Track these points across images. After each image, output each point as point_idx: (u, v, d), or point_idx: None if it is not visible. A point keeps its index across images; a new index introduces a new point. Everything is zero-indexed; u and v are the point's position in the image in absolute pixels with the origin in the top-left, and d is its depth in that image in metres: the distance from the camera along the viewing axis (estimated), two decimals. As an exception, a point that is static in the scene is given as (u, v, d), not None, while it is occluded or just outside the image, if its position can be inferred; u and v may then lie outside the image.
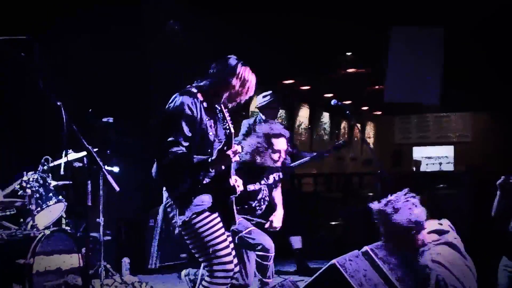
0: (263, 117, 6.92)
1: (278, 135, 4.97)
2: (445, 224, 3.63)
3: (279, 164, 5.05)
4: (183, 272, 5.03)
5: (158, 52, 8.00)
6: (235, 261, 3.79)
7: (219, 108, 3.84)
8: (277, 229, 5.12)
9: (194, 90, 3.80)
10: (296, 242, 6.96)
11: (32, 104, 6.01)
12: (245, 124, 6.94)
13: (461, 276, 3.26)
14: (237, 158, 3.66)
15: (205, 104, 3.79)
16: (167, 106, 3.78)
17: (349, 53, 11.75)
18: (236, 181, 3.88)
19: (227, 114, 3.72)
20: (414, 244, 3.53)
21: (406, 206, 3.49)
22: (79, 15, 6.78)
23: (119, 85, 7.34)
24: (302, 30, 9.28)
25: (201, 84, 3.84)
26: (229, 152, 3.54)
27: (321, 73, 13.07)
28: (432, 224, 3.60)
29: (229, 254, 3.73)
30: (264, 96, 6.84)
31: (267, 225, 5.08)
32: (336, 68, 12.73)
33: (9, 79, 6.18)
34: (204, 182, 3.74)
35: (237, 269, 3.78)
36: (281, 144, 4.96)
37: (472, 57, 10.47)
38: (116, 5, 7.06)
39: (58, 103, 3.44)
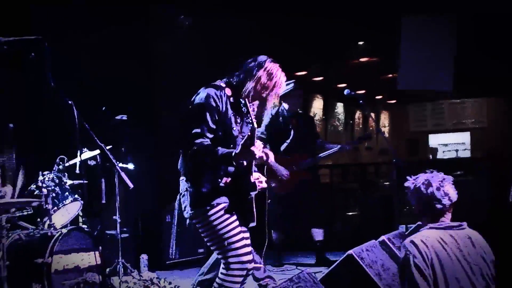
0: (286, 107, 6.81)
1: None
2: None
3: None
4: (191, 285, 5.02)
5: (167, 48, 7.99)
6: (251, 257, 3.78)
7: (243, 102, 3.83)
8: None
9: (223, 84, 3.84)
10: (318, 234, 6.89)
11: (44, 103, 6.04)
12: (267, 114, 6.84)
13: (445, 264, 3.22)
14: (261, 154, 3.64)
15: (232, 100, 3.80)
16: (192, 98, 3.80)
17: (361, 42, 11.67)
18: (259, 178, 3.87)
19: (251, 109, 3.71)
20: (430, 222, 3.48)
21: (434, 183, 3.44)
22: (86, 12, 6.78)
23: (130, 82, 7.35)
24: (313, 20, 9.23)
25: (231, 79, 3.86)
26: (253, 148, 3.53)
27: (334, 63, 13.00)
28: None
29: (245, 246, 3.73)
30: (287, 84, 6.73)
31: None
32: (349, 57, 12.65)
33: (21, 79, 6.20)
34: (224, 180, 3.75)
35: (250, 266, 3.77)
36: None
37: (485, 42, 10.36)
38: (125, 2, 7.06)
39: (70, 102, 3.45)
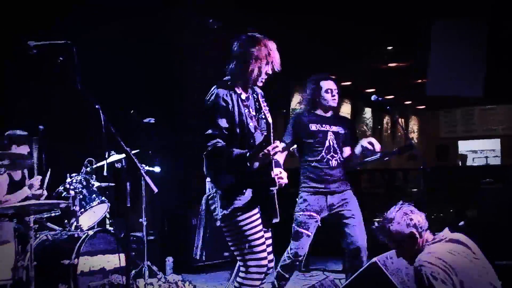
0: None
1: None
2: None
3: None
4: None
5: (195, 50, 8.02)
6: (270, 257, 3.78)
7: (256, 97, 3.82)
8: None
9: (231, 83, 3.81)
10: None
11: (73, 107, 6.09)
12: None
13: (461, 269, 3.22)
14: (276, 155, 3.62)
15: (243, 96, 3.78)
16: (205, 99, 3.80)
17: (390, 47, 11.60)
18: (280, 173, 3.84)
19: (263, 104, 3.69)
20: (416, 249, 3.51)
21: (400, 214, 3.49)
22: (115, 17, 6.82)
23: (157, 86, 7.39)
24: (342, 24, 9.20)
25: (229, 69, 3.81)
26: (268, 149, 3.51)
27: (363, 68, 12.94)
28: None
29: (264, 250, 3.72)
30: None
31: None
32: (378, 62, 12.59)
33: (50, 83, 6.28)
34: (247, 175, 3.73)
35: (271, 264, 3.77)
36: None
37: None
38: (153, 6, 7.10)
39: (97, 106, 3.48)
